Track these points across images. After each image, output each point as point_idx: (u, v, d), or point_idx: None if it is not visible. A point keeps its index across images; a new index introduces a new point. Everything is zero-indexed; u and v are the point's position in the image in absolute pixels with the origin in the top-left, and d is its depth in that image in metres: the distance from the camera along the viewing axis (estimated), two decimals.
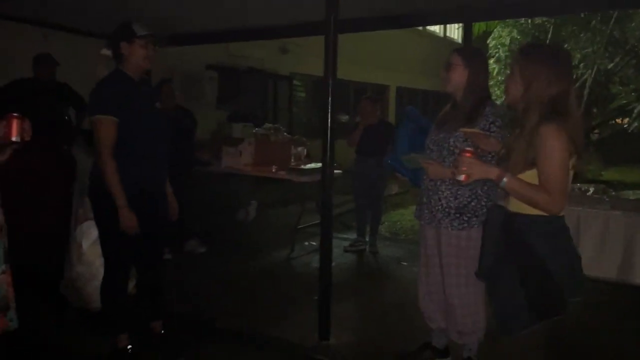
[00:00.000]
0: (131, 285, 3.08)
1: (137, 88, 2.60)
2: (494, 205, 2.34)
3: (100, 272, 3.42)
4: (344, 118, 11.42)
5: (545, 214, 1.86)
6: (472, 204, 2.49)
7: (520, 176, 1.87)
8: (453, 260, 2.55)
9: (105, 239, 2.67)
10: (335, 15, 2.96)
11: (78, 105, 4.50)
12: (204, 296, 3.87)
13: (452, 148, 2.47)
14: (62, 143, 3.82)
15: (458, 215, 2.49)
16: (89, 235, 3.47)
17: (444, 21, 5.14)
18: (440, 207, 2.53)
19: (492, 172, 1.88)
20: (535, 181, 1.84)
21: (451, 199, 2.51)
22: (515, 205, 1.94)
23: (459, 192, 2.50)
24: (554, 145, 1.78)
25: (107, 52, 2.65)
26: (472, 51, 2.69)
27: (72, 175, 3.71)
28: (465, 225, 2.48)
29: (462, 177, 1.91)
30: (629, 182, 10.54)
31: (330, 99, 3.00)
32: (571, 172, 1.87)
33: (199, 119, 5.22)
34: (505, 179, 1.84)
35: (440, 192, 2.54)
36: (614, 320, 3.53)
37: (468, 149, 1.92)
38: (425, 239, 2.72)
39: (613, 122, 13.14)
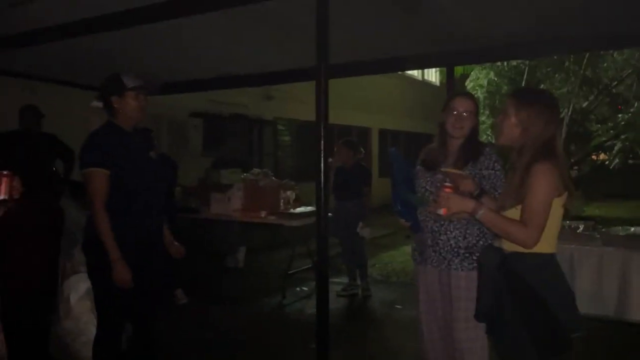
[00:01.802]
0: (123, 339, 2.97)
1: (130, 139, 2.57)
2: (488, 246, 2.36)
3: (88, 327, 3.33)
4: (329, 161, 11.51)
5: (540, 252, 1.89)
6: (480, 242, 2.46)
7: (510, 211, 1.93)
8: (463, 303, 2.48)
9: (99, 293, 2.58)
10: (325, 62, 3.00)
11: (65, 157, 4.45)
12: (196, 348, 3.75)
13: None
14: (50, 195, 3.74)
15: (467, 255, 2.46)
16: (76, 289, 3.37)
17: (427, 65, 5.31)
18: (449, 247, 2.49)
19: (468, 205, 1.96)
20: None
21: (460, 238, 2.48)
22: (511, 245, 1.97)
23: (467, 232, 2.48)
24: (540, 182, 1.85)
25: (97, 104, 2.61)
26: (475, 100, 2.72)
27: (59, 228, 3.62)
28: (475, 264, 2.45)
29: (441, 211, 2.01)
30: (611, 218, 10.68)
31: (322, 142, 3.01)
32: (562, 210, 1.93)
33: (185, 166, 5.17)
34: (480, 211, 1.92)
35: (448, 233, 2.50)
36: (613, 358, 3.49)
37: (447, 184, 2.04)
38: (426, 284, 2.64)
39: (590, 158, 13.46)
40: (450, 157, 2.57)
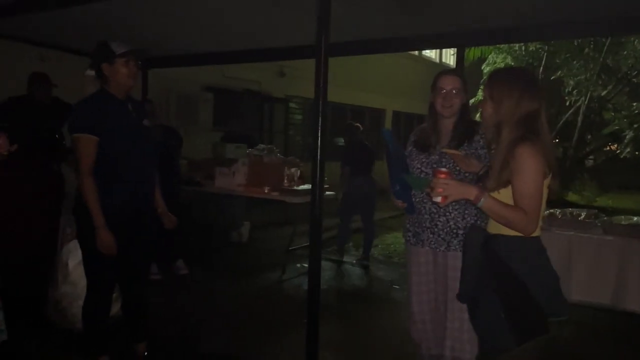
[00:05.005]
0: (117, 306, 3.03)
1: (121, 106, 2.57)
2: (473, 226, 2.33)
3: (85, 292, 3.40)
4: (341, 141, 11.45)
5: (523, 235, 1.87)
6: (478, 223, 2.46)
7: (495, 195, 1.88)
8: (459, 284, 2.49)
9: (87, 258, 2.62)
10: (325, 39, 2.97)
11: None
12: (191, 319, 3.81)
13: (457, 168, 2.44)
14: (52, 161, 3.79)
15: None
16: (75, 255, 3.42)
17: (435, 46, 5.17)
18: (448, 229, 2.48)
19: (470, 192, 1.87)
20: (509, 200, 1.86)
21: (459, 219, 2.47)
22: (495, 227, 1.95)
23: (466, 212, 2.46)
24: (529, 165, 1.80)
25: (91, 72, 2.62)
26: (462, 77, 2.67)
27: (59, 194, 3.67)
28: None
29: (439, 199, 1.88)
30: (622, 209, 10.53)
31: (320, 119, 2.99)
32: (546, 192, 1.88)
33: (194, 140, 5.16)
34: (483, 199, 1.84)
35: (447, 214, 2.49)
36: (609, 346, 3.48)
37: (442, 169, 1.91)
38: (419, 265, 2.64)
39: (607, 148, 13.20)
40: (444, 138, 2.55)
